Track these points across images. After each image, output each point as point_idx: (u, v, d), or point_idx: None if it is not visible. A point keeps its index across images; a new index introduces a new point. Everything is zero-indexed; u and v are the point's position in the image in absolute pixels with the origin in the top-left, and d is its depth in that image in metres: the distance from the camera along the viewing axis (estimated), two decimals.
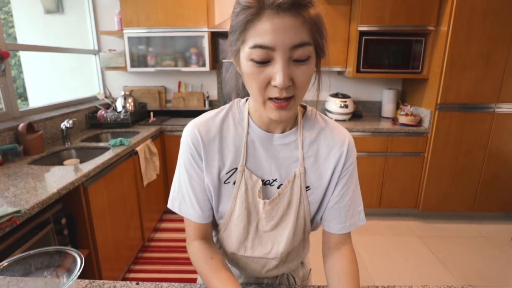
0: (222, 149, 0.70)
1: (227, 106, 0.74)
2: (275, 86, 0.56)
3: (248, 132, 0.70)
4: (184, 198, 0.72)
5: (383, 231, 2.78)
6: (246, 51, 0.56)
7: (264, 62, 0.55)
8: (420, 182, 2.86)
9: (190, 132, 0.69)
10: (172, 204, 0.74)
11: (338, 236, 0.75)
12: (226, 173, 0.70)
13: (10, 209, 1.10)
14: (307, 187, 0.71)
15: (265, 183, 0.71)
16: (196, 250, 0.72)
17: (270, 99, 0.58)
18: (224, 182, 0.71)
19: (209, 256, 0.71)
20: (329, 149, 0.71)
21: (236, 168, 0.70)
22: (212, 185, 0.71)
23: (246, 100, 0.73)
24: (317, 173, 0.71)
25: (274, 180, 0.71)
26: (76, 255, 0.65)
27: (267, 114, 0.61)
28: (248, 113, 0.71)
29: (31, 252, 0.68)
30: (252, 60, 0.56)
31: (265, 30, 0.53)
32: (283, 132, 0.70)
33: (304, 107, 0.75)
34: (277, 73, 0.54)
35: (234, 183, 0.70)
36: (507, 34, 2.47)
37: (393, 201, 2.92)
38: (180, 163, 0.72)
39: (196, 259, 0.72)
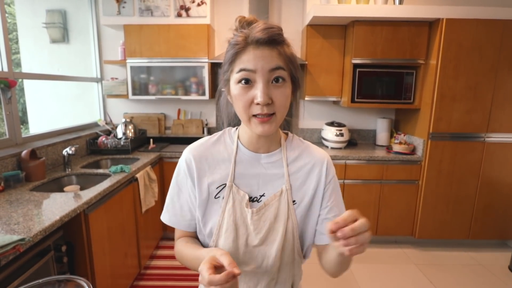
0: (213, 167, 0.80)
1: (220, 132, 0.86)
2: (257, 104, 0.67)
3: (236, 152, 0.80)
4: (174, 209, 0.83)
5: (380, 259, 2.77)
6: (234, 77, 0.70)
7: (248, 82, 0.68)
8: (416, 209, 2.90)
9: (185, 153, 0.81)
10: (164, 216, 0.84)
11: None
12: (216, 188, 0.79)
13: (15, 237, 1.12)
14: (293, 201, 0.79)
15: (252, 199, 0.78)
16: (177, 243, 0.84)
17: (254, 116, 0.69)
18: (215, 197, 0.79)
19: (185, 241, 0.82)
20: (310, 166, 0.81)
21: (225, 184, 0.78)
22: (202, 201, 0.79)
23: (237, 128, 0.84)
24: (301, 187, 0.80)
25: (262, 196, 0.79)
26: (85, 284, 0.67)
27: (252, 130, 0.72)
28: (238, 137, 0.82)
29: (40, 280, 0.70)
30: (238, 82, 0.68)
31: (248, 59, 0.67)
32: (269, 153, 0.80)
33: (286, 133, 0.87)
34: (258, 92, 0.67)
35: (224, 198, 0.78)
36: (492, 68, 2.62)
37: (390, 228, 2.94)
38: (173, 180, 0.83)
39: (177, 248, 0.83)
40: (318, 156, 0.82)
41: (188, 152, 0.81)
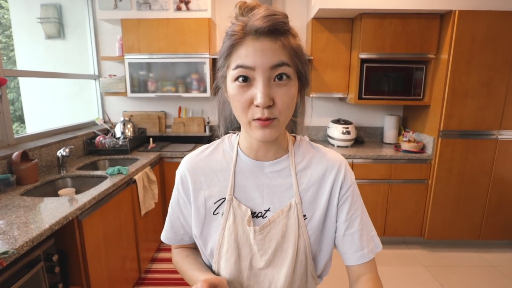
0: (210, 178, 0.71)
1: (218, 140, 0.77)
2: (257, 106, 0.57)
3: (236, 162, 0.71)
4: (167, 225, 0.79)
5: (388, 261, 2.68)
6: (230, 74, 0.60)
7: (246, 80, 0.58)
8: (425, 209, 2.79)
9: (181, 166, 0.74)
10: (162, 235, 0.80)
11: (359, 267, 0.70)
12: (214, 203, 0.69)
13: None
14: (304, 216, 0.68)
15: (256, 215, 0.68)
16: (176, 252, 0.80)
17: (254, 120, 0.59)
18: (213, 214, 0.70)
19: (185, 255, 0.77)
20: (322, 173, 0.70)
21: (224, 198, 0.69)
22: (199, 218, 0.70)
23: (237, 134, 0.75)
24: (313, 200, 0.68)
25: (267, 211, 0.68)
26: None
27: (252, 134, 0.62)
28: (238, 144, 0.72)
29: None
30: (235, 80, 0.59)
31: (246, 53, 0.57)
32: (273, 160, 0.70)
33: (294, 136, 0.76)
34: (257, 92, 0.56)
35: (223, 214, 0.68)
36: (506, 63, 2.49)
37: (398, 229, 2.84)
38: (172, 195, 0.77)
39: (175, 259, 0.79)
40: (332, 161, 0.71)
41: (183, 165, 0.74)
